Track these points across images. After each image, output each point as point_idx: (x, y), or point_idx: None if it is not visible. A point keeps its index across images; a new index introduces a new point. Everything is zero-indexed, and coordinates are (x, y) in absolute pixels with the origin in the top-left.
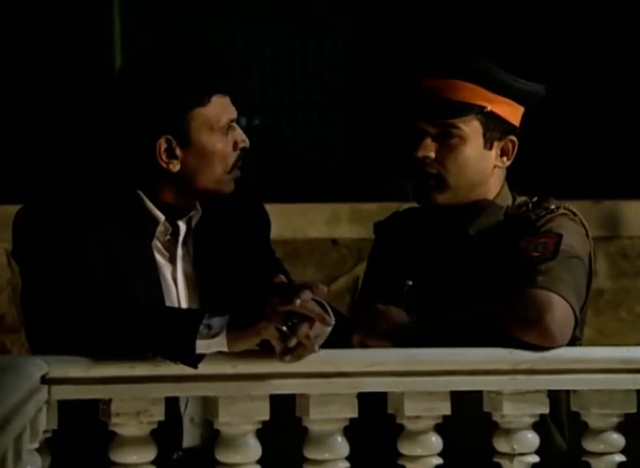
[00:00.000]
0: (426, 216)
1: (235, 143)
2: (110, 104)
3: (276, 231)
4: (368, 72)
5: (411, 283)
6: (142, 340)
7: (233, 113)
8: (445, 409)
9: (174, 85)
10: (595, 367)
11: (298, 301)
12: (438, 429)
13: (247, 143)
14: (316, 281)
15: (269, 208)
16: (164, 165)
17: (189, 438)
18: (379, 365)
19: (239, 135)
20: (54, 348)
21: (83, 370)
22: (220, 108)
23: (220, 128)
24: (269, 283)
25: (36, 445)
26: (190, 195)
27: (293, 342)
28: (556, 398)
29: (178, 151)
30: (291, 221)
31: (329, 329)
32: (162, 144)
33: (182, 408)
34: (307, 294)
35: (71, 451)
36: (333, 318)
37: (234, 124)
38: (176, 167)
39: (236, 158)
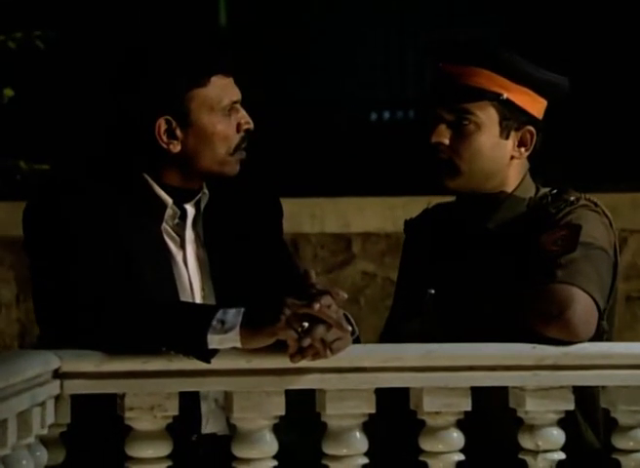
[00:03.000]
0: (451, 212)
1: (239, 125)
2: (113, 85)
3: (378, 224)
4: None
5: (433, 291)
6: (156, 334)
7: (236, 94)
8: (465, 404)
9: (173, 65)
10: (621, 362)
11: (317, 305)
12: (460, 425)
13: (251, 125)
14: (337, 287)
15: (376, 201)
16: (164, 145)
17: (213, 420)
18: (396, 360)
19: (243, 116)
20: (67, 342)
21: (96, 365)
22: (220, 89)
23: (221, 109)
24: (300, 280)
25: (30, 440)
26: (195, 177)
27: (307, 342)
28: (589, 394)
29: (178, 132)
30: (392, 215)
31: (349, 338)
32: (162, 125)
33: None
34: (327, 300)
35: (89, 446)
36: (354, 327)
37: (238, 105)
38: (176, 148)
39: (239, 140)
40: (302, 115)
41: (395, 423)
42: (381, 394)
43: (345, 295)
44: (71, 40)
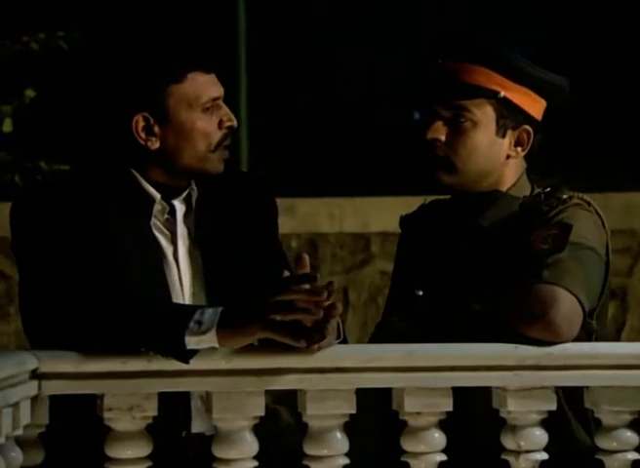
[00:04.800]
0: (447, 209)
1: (220, 122)
2: (96, 82)
3: (397, 224)
4: (566, 64)
5: (421, 293)
6: (135, 335)
7: (217, 91)
8: (447, 405)
9: (149, 62)
10: (604, 362)
11: (294, 288)
12: (442, 425)
13: (233, 122)
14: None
15: (395, 201)
16: (142, 142)
17: (200, 417)
18: (377, 360)
19: (225, 113)
20: (48, 342)
21: (74, 365)
22: (199, 86)
23: (200, 105)
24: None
25: (1, 441)
26: (178, 174)
27: (295, 316)
28: (580, 393)
29: (156, 128)
30: None
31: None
32: (139, 121)
33: None
34: (301, 285)
35: (69, 446)
36: (340, 331)
37: (220, 102)
38: (154, 144)
39: (221, 137)
40: (322, 115)
41: (380, 423)
42: (366, 394)
43: (319, 275)
44: (95, 41)
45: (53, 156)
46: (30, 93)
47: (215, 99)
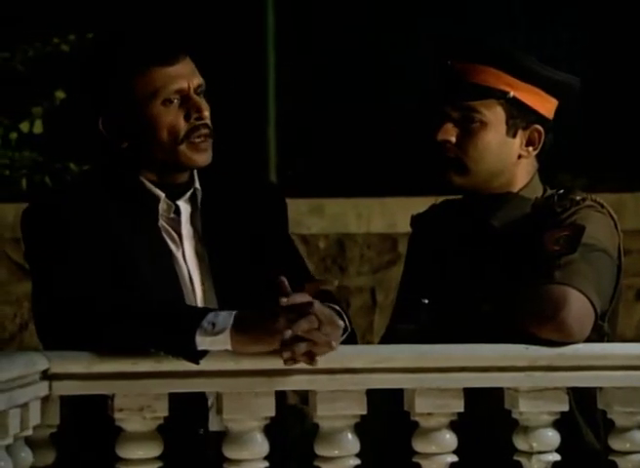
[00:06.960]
0: (458, 209)
1: (188, 114)
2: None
3: None
4: (603, 63)
5: (427, 301)
6: (145, 335)
7: (180, 83)
8: (458, 406)
9: (101, 63)
10: (616, 363)
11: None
12: (453, 426)
13: (202, 113)
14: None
15: (422, 201)
16: (111, 140)
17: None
18: (387, 361)
19: (193, 105)
20: (59, 344)
21: (85, 366)
22: (154, 80)
23: (159, 98)
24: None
25: (8, 441)
26: (162, 170)
27: (287, 334)
28: (589, 395)
29: (121, 126)
30: None
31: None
32: (104, 122)
33: None
34: (311, 320)
35: (80, 447)
36: (347, 323)
37: (190, 94)
38: (124, 143)
39: (189, 129)
40: (350, 115)
41: (392, 424)
42: (377, 394)
43: (336, 282)
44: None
45: (82, 157)
46: (60, 94)
47: (179, 91)
